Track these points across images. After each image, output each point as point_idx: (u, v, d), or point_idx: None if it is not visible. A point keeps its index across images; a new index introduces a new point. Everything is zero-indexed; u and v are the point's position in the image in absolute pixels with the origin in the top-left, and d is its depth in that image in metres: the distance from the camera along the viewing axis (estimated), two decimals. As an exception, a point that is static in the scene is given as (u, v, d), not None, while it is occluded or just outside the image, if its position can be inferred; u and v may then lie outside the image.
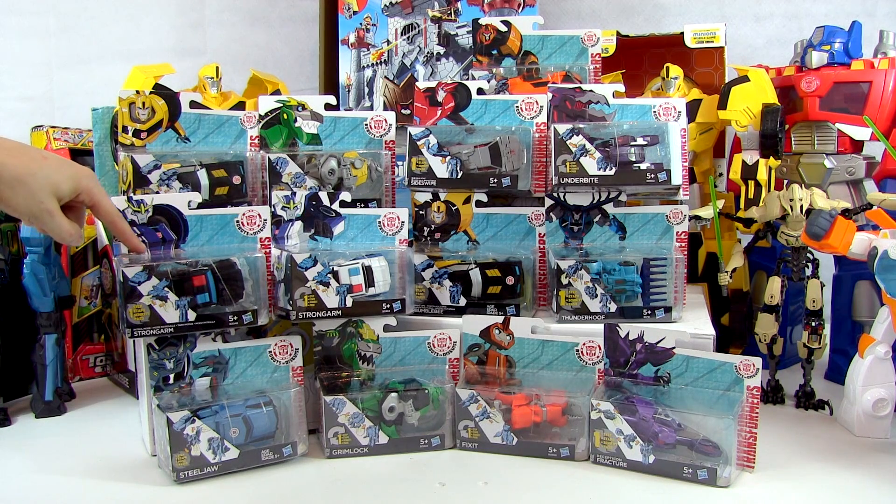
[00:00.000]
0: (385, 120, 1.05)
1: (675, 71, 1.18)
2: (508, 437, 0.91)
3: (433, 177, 1.03)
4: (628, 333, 0.91)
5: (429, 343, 0.97)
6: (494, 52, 1.17)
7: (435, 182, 1.03)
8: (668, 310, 0.97)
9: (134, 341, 0.95)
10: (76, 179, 0.82)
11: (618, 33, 1.25)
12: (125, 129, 1.01)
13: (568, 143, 0.99)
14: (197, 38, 1.72)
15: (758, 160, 1.14)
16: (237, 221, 0.96)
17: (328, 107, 1.05)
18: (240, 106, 1.20)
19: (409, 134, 1.04)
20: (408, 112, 1.35)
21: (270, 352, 0.93)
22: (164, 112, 1.02)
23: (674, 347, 0.89)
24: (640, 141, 1.00)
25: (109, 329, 1.26)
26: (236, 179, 1.01)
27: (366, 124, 1.05)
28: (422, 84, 1.09)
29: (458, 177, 1.03)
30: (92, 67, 1.71)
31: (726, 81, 1.20)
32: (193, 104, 1.03)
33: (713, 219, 1.07)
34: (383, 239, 1.00)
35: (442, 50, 1.38)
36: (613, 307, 0.97)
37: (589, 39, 1.14)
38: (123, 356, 1.20)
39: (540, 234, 1.06)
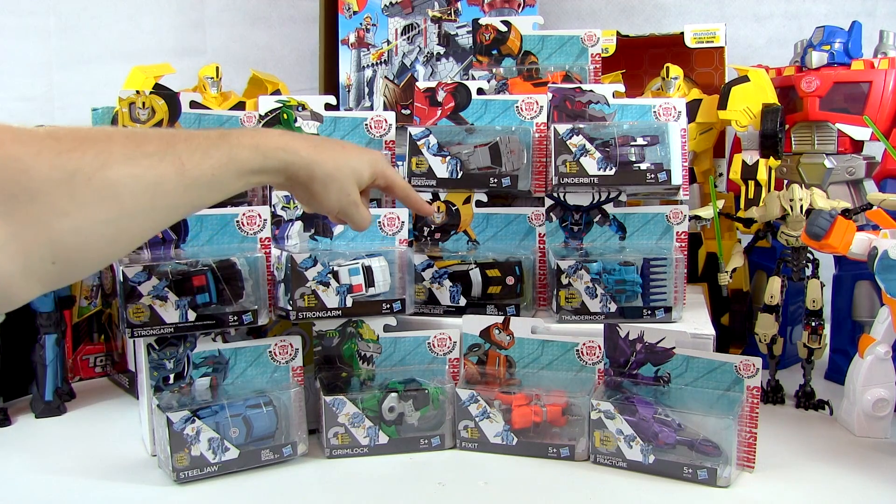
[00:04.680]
0: (385, 120, 1.05)
1: (675, 71, 1.18)
2: (508, 437, 0.91)
3: (433, 177, 1.03)
4: (628, 333, 0.91)
5: (429, 343, 0.97)
6: (494, 52, 1.17)
7: (435, 182, 1.03)
8: (668, 310, 0.97)
9: (134, 341, 0.95)
10: (374, 164, 0.80)
11: (618, 33, 1.25)
12: (125, 129, 1.01)
13: (568, 143, 0.99)
14: (197, 38, 1.72)
15: (758, 160, 1.14)
16: (237, 221, 0.95)
17: (328, 107, 1.05)
18: (240, 106, 1.20)
19: (409, 134, 1.04)
20: (408, 112, 1.35)
21: (270, 352, 0.93)
22: (164, 112, 1.02)
23: (674, 347, 0.89)
24: (640, 141, 1.00)
25: (109, 329, 1.26)
26: (236, 179, 1.01)
27: (366, 124, 1.05)
28: (422, 84, 1.09)
29: (458, 177, 1.03)
30: (92, 67, 1.71)
31: (726, 81, 1.20)
32: (193, 104, 1.03)
33: (713, 219, 1.07)
34: (383, 239, 1.00)
35: (442, 50, 1.38)
36: (613, 307, 0.97)
37: (589, 39, 1.14)
38: (123, 356, 1.20)
39: (540, 234, 1.06)
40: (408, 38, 1.39)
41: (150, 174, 0.59)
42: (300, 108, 1.04)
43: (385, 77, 1.40)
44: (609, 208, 1.04)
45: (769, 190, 1.14)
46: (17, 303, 0.55)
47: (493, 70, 1.16)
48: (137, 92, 1.02)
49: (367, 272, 0.94)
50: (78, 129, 0.58)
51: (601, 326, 0.92)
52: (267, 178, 0.71)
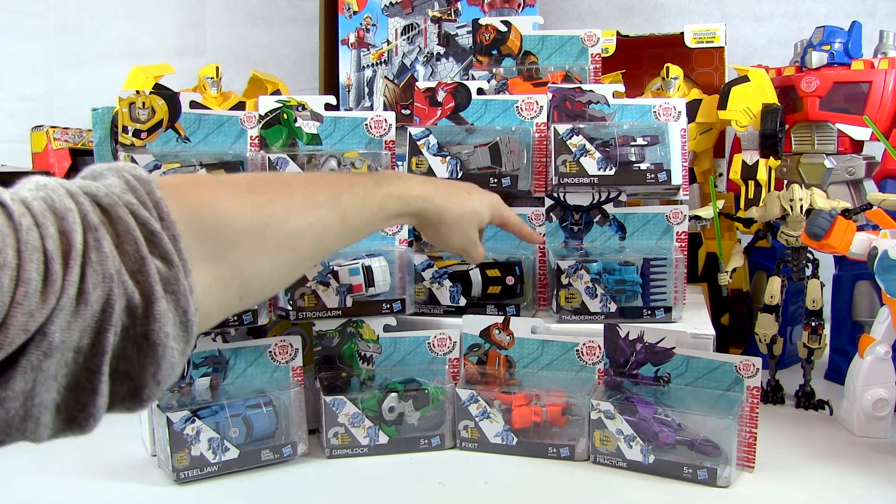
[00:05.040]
0: (385, 120, 1.05)
1: (675, 71, 1.18)
2: (508, 437, 0.91)
3: (433, 177, 1.03)
4: (628, 333, 0.91)
5: (429, 343, 0.97)
6: (494, 52, 1.17)
7: (435, 182, 1.03)
8: (668, 310, 0.97)
9: (134, 341, 0.95)
10: (493, 208, 0.86)
11: (618, 33, 1.25)
12: (125, 129, 1.01)
13: (568, 143, 0.99)
14: (197, 38, 1.72)
15: (758, 160, 1.14)
16: (237, 221, 0.95)
17: (328, 107, 1.05)
18: (240, 106, 1.20)
19: (409, 134, 1.04)
20: (408, 112, 1.35)
21: (270, 352, 0.93)
22: (164, 112, 1.02)
23: (674, 347, 0.89)
24: (640, 141, 1.00)
25: (109, 329, 1.26)
26: (236, 179, 1.01)
27: (366, 124, 1.05)
28: (422, 84, 1.09)
29: (458, 177, 1.03)
30: (92, 67, 1.71)
31: (726, 81, 1.20)
32: (193, 104, 1.03)
33: (713, 219, 1.07)
34: (383, 239, 1.00)
35: (442, 50, 1.38)
36: (613, 307, 0.97)
37: (589, 39, 1.14)
38: (123, 356, 1.20)
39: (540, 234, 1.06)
40: (408, 38, 1.39)
41: (321, 224, 0.65)
42: (300, 108, 1.04)
43: (385, 77, 1.40)
44: (609, 208, 1.04)
45: (769, 190, 1.14)
46: (206, 329, 0.64)
47: (493, 70, 1.16)
48: (137, 92, 1.02)
49: (367, 272, 0.94)
50: (268, 180, 0.65)
51: (601, 326, 0.92)
52: (403, 220, 0.80)
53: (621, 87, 1.06)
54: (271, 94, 1.28)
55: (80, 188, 0.49)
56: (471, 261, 0.88)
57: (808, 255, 1.06)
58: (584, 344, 0.93)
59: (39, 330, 0.43)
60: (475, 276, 1.01)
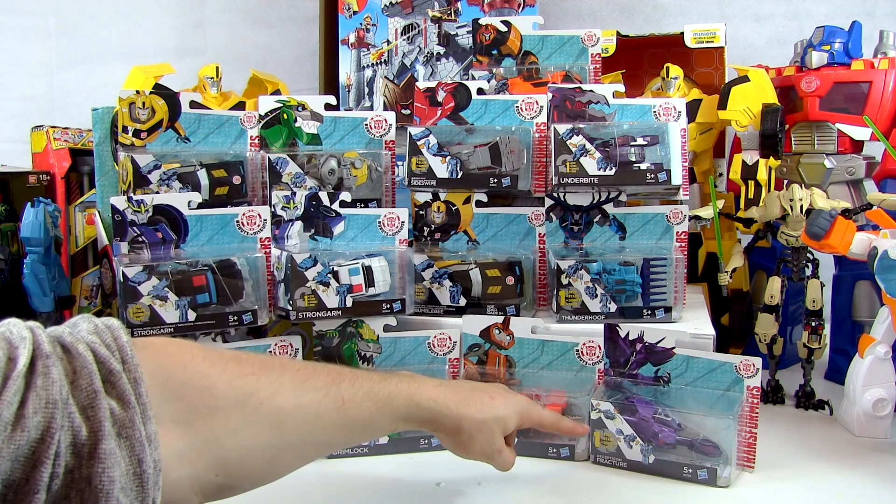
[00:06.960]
0: (385, 120, 1.05)
1: (675, 71, 1.18)
2: (508, 437, 0.91)
3: (433, 177, 1.03)
4: (628, 333, 0.91)
5: (429, 343, 0.97)
6: (494, 52, 1.17)
7: (435, 182, 1.03)
8: (668, 310, 0.97)
9: (134, 341, 0.95)
10: (520, 412, 0.80)
11: (618, 33, 1.25)
12: (125, 129, 1.01)
13: (568, 143, 0.99)
14: (197, 38, 1.72)
15: (758, 160, 1.14)
16: (237, 221, 0.95)
17: (328, 107, 1.05)
18: (240, 106, 1.20)
19: (409, 134, 1.04)
20: (408, 112, 1.35)
21: (270, 352, 0.93)
22: (164, 112, 1.02)
23: (674, 347, 0.89)
24: (640, 141, 1.00)
25: (109, 329, 1.26)
26: (236, 179, 1.01)
27: (366, 124, 1.05)
28: (422, 84, 1.09)
29: (458, 177, 1.03)
30: (92, 67, 1.71)
31: (726, 81, 1.20)
32: (193, 104, 1.03)
33: (713, 219, 1.07)
34: (383, 239, 1.00)
35: (442, 50, 1.38)
36: (613, 307, 0.97)
37: (589, 39, 1.14)
38: (123, 356, 1.20)
39: (540, 234, 1.06)
40: (408, 38, 1.39)
41: (313, 408, 0.62)
42: (300, 108, 1.04)
43: (385, 77, 1.40)
44: (609, 208, 1.04)
45: (769, 190, 1.14)
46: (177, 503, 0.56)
47: (493, 70, 1.16)
48: (137, 92, 1.02)
49: (367, 272, 0.94)
50: (256, 357, 0.63)
51: (601, 326, 0.92)
52: (416, 425, 0.73)
53: (621, 87, 1.06)
54: (271, 94, 1.28)
55: (45, 330, 0.48)
56: (499, 469, 0.79)
57: (808, 255, 1.06)
58: (584, 344, 0.93)
59: None
60: (475, 276, 1.01)
